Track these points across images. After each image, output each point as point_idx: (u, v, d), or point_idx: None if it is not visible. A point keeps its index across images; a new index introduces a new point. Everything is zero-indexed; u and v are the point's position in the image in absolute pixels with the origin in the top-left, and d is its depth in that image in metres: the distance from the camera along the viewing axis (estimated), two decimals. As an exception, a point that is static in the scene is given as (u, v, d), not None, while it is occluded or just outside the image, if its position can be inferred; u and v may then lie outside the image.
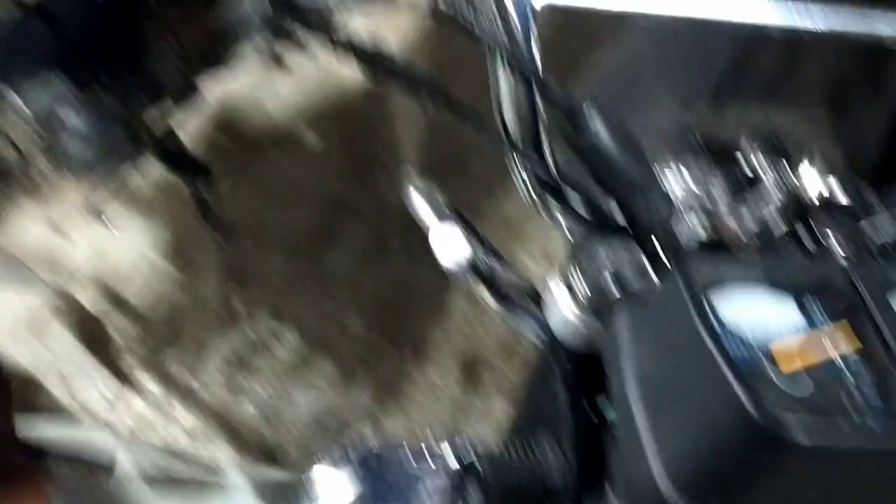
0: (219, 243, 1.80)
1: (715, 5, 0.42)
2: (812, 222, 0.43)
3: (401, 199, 1.85)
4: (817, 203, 0.43)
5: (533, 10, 0.40)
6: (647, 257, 0.46)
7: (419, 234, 0.85)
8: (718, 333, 0.36)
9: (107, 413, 1.68)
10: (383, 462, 0.45)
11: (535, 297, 0.85)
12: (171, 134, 1.57)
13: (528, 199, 0.49)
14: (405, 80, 0.43)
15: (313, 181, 1.87)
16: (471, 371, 1.66)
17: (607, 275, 0.49)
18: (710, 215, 0.46)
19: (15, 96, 1.38)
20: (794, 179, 0.44)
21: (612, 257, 0.50)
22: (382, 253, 1.79)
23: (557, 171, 0.47)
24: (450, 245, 0.82)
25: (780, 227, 0.43)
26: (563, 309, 0.50)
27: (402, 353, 1.69)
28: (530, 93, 0.41)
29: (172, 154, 1.58)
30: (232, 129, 1.96)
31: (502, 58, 0.36)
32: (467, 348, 1.68)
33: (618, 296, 0.49)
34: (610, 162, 0.40)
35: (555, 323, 0.50)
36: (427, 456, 0.45)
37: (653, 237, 0.44)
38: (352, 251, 1.80)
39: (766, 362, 0.37)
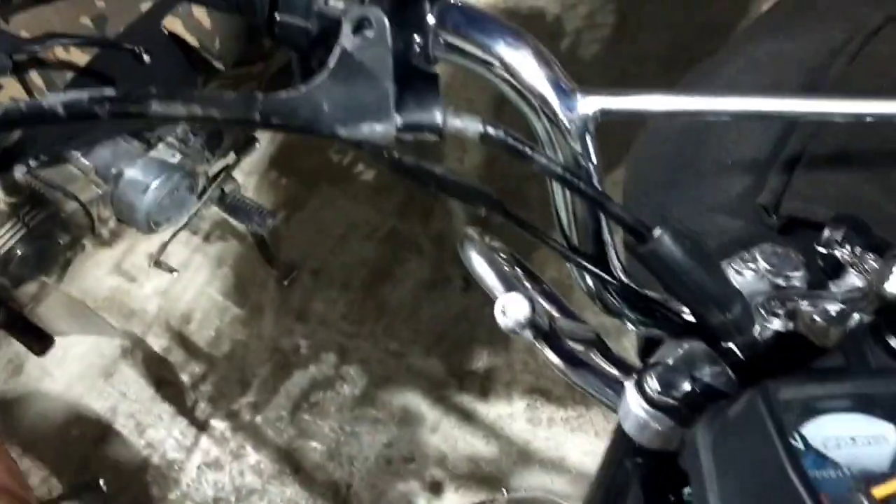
0: (279, 282, 1.82)
1: (773, 103, 0.39)
2: (903, 325, 0.40)
3: (457, 231, 1.83)
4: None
5: (587, 120, 0.38)
6: (727, 364, 0.43)
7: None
8: (806, 472, 0.33)
9: (176, 453, 1.71)
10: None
11: (600, 346, 0.83)
12: (231, 181, 1.59)
13: (594, 301, 0.47)
14: (459, 194, 0.42)
15: (370, 216, 1.87)
16: (537, 405, 1.63)
17: (681, 375, 0.47)
18: (792, 314, 0.43)
19: (76, 154, 1.42)
20: (881, 272, 0.41)
21: (684, 357, 0.48)
22: (441, 285, 1.78)
23: (624, 274, 0.45)
24: (511, 310, 0.80)
25: (866, 330, 0.40)
26: (635, 407, 0.48)
27: (465, 386, 1.68)
28: (592, 207, 0.40)
29: (232, 200, 1.60)
30: (289, 168, 1.98)
31: (559, 180, 0.34)
32: (532, 381, 1.66)
33: (691, 395, 0.46)
34: (682, 275, 0.38)
35: (629, 424, 0.48)
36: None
37: (732, 347, 0.41)
38: (411, 285, 1.79)
39: (860, 496, 0.34)
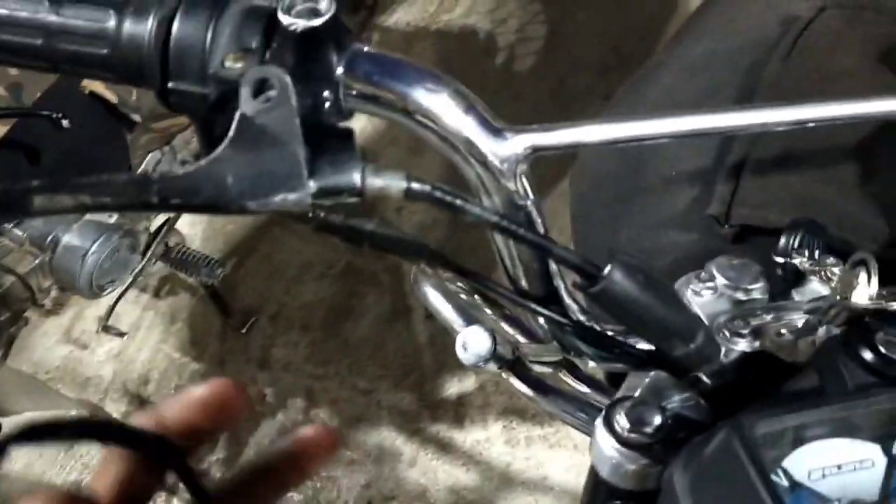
0: (237, 331, 1.77)
1: (708, 120, 0.37)
2: (870, 333, 0.38)
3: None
4: (872, 309, 0.38)
5: (519, 159, 0.35)
6: (696, 392, 0.41)
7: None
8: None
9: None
10: None
11: (568, 367, 0.80)
12: (175, 234, 1.54)
13: (547, 342, 0.44)
14: (396, 250, 0.39)
15: (323, 254, 1.83)
16: (513, 425, 1.60)
17: (651, 409, 0.44)
18: (757, 332, 0.41)
19: (7, 226, 1.36)
20: (846, 281, 0.39)
21: (651, 388, 0.46)
22: (403, 316, 1.75)
23: (579, 312, 0.42)
24: (472, 345, 0.78)
25: (838, 344, 0.38)
26: (607, 448, 0.45)
27: (439, 416, 1.64)
28: (537, 252, 0.37)
29: (177, 254, 1.55)
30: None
31: (497, 228, 0.31)
32: (506, 402, 1.63)
33: (664, 428, 0.44)
34: (639, 311, 0.35)
35: (603, 466, 0.45)
36: None
37: (700, 376, 0.39)
38: (372, 319, 1.75)
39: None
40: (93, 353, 1.82)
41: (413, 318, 1.74)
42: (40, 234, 1.39)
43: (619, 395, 0.47)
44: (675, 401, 0.45)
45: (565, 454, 1.56)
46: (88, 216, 1.41)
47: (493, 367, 0.82)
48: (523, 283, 0.40)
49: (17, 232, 1.39)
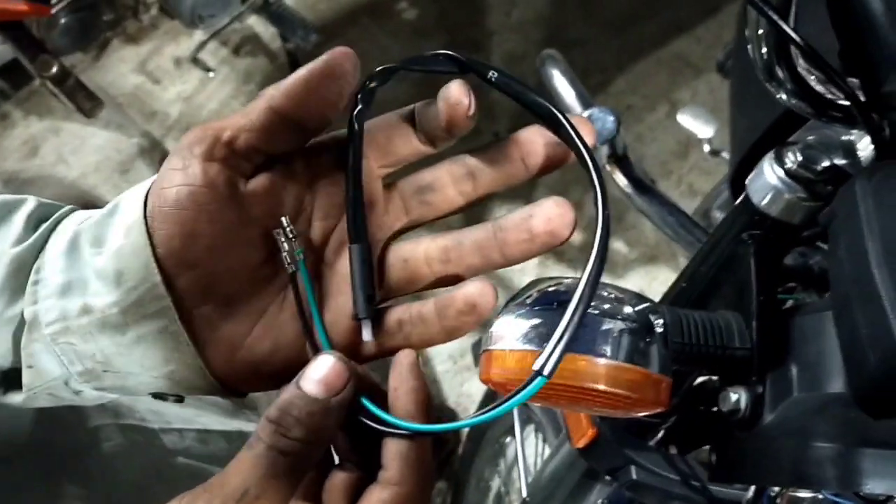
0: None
1: None
2: None
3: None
4: None
5: None
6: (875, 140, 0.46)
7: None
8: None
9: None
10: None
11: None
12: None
13: (760, 68, 0.48)
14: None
15: (407, 54, 1.85)
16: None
17: (821, 154, 0.50)
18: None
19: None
20: None
21: (823, 141, 0.51)
22: (469, 136, 1.78)
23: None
24: (597, 122, 0.83)
25: None
26: (771, 177, 0.50)
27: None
28: None
29: (276, 9, 1.57)
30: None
31: None
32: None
33: (827, 171, 0.49)
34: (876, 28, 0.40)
35: (759, 194, 0.51)
36: (610, 299, 0.42)
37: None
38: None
39: None
40: (164, 90, 1.87)
41: (477, 141, 1.78)
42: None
43: (790, 139, 0.52)
44: (840, 155, 0.50)
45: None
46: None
47: (605, 151, 0.87)
48: None
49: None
